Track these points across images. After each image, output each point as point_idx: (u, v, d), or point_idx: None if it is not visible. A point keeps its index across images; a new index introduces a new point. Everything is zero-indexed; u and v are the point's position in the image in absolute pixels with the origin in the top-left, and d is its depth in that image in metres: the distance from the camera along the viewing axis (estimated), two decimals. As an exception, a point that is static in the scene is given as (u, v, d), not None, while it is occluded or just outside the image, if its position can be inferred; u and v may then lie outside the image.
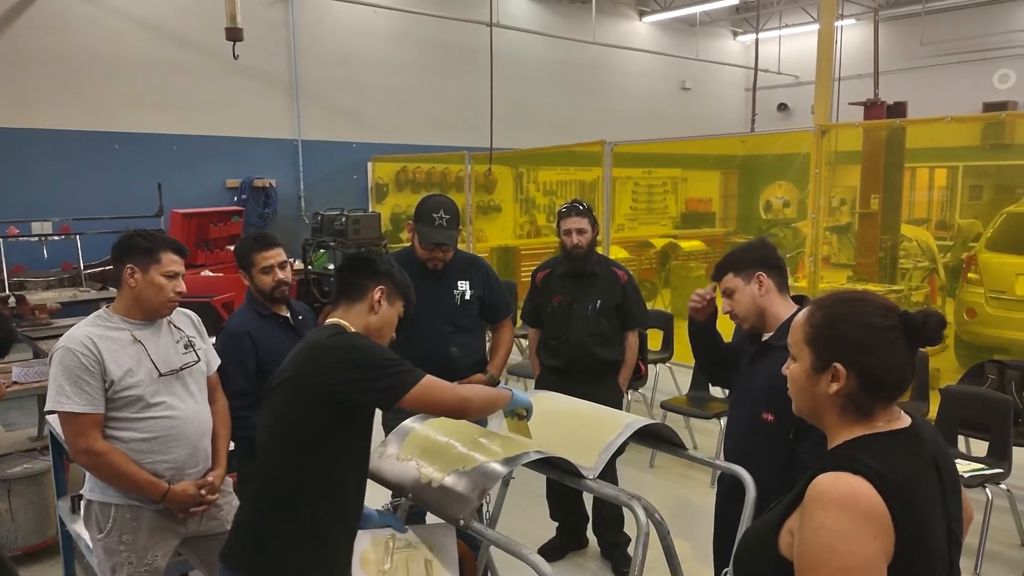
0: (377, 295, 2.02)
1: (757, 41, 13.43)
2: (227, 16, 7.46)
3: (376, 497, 2.40)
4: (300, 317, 3.06)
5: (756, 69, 10.91)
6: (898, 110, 7.33)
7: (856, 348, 1.35)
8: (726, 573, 2.10)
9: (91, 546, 2.61)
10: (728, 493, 2.61)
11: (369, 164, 11.14)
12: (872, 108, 7.44)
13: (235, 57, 7.45)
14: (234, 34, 7.46)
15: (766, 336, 2.43)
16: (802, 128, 6.22)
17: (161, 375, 2.38)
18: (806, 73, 13.84)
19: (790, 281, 8.00)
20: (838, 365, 1.35)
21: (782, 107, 16.33)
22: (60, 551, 3.59)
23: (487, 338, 3.64)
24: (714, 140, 9.42)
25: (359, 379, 1.81)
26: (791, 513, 1.34)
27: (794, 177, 11.25)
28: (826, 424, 1.42)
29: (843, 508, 1.23)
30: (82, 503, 2.49)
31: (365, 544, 2.09)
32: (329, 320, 2.04)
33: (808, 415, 1.45)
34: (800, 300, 2.59)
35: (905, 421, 1.38)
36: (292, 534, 1.87)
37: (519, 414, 2.18)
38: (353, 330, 1.97)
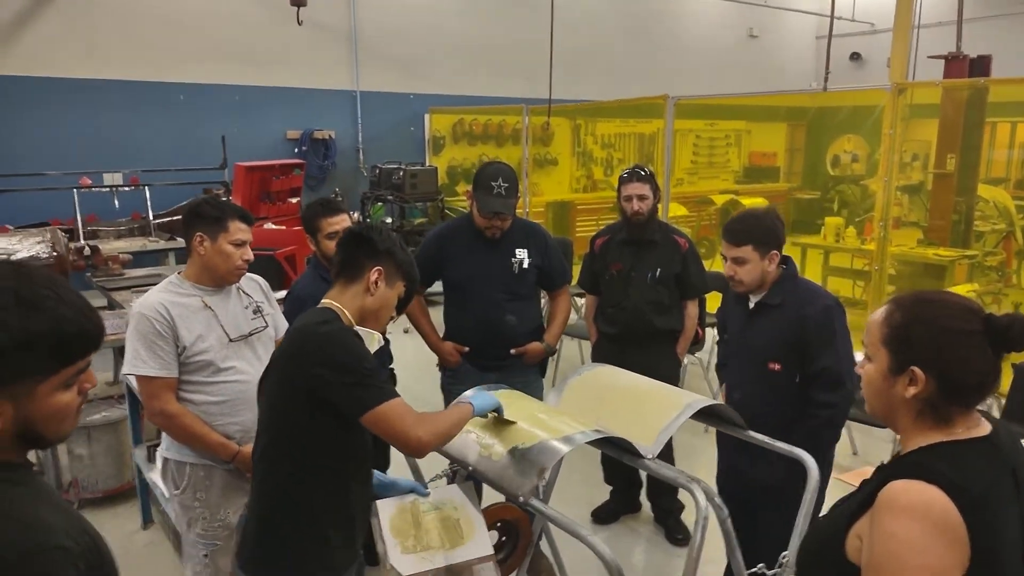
0: (374, 276, 1.93)
1: (831, -14, 12.74)
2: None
3: (432, 465, 2.45)
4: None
5: (832, 17, 10.37)
6: (982, 65, 6.86)
7: (935, 351, 1.30)
8: (784, 557, 2.10)
9: (167, 497, 2.76)
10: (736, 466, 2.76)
11: (426, 116, 11.10)
12: (953, 62, 6.95)
13: (299, 23, 7.44)
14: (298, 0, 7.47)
15: (759, 296, 2.67)
16: (877, 86, 5.91)
17: (231, 340, 2.45)
18: (882, 20, 13.12)
19: (858, 243, 7.68)
20: (916, 368, 1.31)
21: (855, 56, 15.55)
22: (137, 495, 3.81)
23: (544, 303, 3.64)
24: (783, 96, 9.01)
25: (333, 381, 1.76)
26: (860, 516, 1.31)
27: (865, 132, 10.76)
28: (900, 428, 1.37)
29: (915, 518, 1.20)
30: (158, 460, 2.61)
31: (392, 511, 2.10)
32: (323, 301, 1.95)
33: (882, 417, 1.40)
34: (785, 260, 2.70)
35: (985, 429, 1.33)
36: (288, 524, 1.85)
37: (492, 415, 2.16)
38: (347, 313, 1.90)
